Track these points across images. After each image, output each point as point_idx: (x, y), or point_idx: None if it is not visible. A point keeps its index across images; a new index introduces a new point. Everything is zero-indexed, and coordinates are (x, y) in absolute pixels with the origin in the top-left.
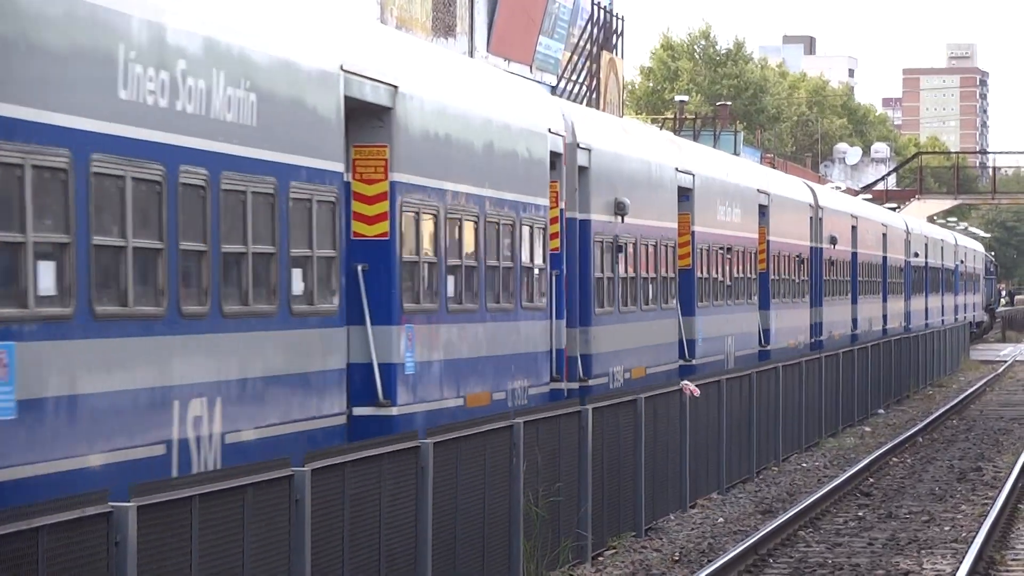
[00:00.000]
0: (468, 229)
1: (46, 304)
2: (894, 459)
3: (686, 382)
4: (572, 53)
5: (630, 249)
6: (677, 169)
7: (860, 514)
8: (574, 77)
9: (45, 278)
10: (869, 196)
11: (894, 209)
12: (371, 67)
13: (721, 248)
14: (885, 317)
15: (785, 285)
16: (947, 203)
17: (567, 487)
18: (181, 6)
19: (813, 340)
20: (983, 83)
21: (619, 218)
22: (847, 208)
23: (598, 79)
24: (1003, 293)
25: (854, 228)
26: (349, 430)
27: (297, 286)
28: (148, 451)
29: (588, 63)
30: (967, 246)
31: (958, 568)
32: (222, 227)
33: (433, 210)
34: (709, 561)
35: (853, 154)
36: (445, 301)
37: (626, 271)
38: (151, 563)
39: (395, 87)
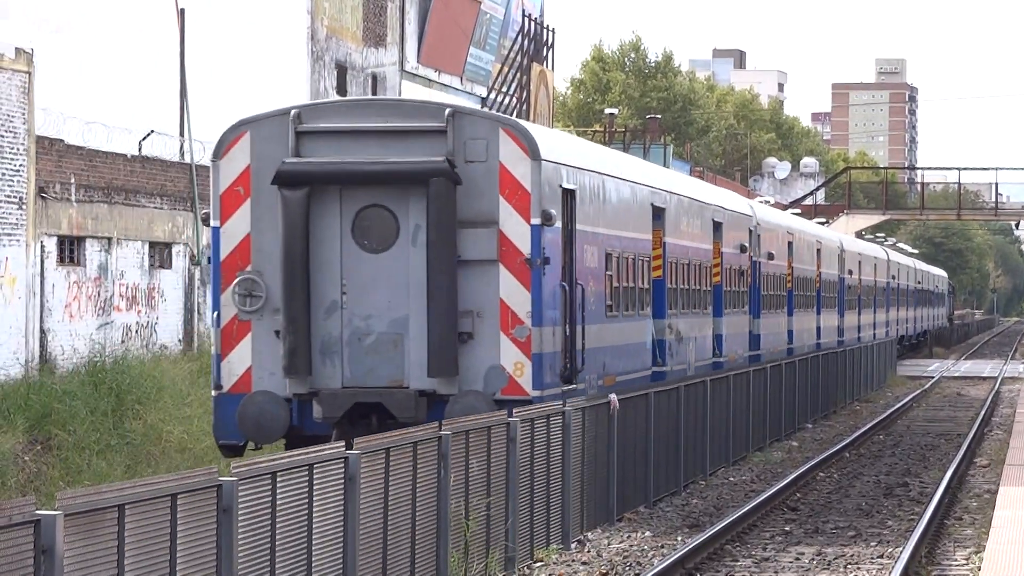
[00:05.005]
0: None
1: (610, 309)
2: (821, 474)
3: (612, 395)
4: (503, 64)
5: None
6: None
7: (787, 529)
8: (504, 88)
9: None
10: (798, 211)
11: (823, 223)
12: (660, 185)
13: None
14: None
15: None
16: (876, 218)
17: (496, 499)
18: (624, 174)
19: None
20: (912, 99)
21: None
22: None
23: (528, 91)
24: None
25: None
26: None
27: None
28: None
29: (518, 75)
30: (929, 271)
31: None
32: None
33: (675, 259)
34: (636, 575)
35: (782, 168)
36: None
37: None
38: (79, 571)
39: (665, 195)
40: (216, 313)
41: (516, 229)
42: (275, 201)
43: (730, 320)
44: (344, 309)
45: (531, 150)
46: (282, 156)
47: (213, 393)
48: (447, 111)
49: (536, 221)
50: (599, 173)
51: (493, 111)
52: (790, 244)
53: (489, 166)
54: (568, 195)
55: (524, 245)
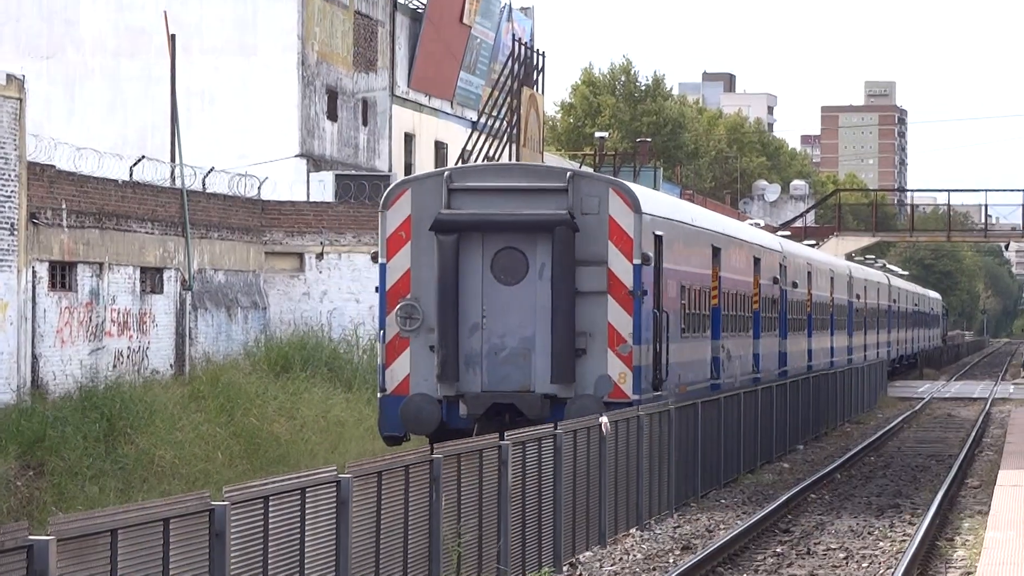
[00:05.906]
0: (736, 297)
1: (683, 331)
2: (812, 495)
3: (603, 418)
4: (493, 89)
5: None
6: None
7: (779, 551)
8: (495, 112)
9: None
10: (788, 233)
11: (813, 246)
12: (719, 230)
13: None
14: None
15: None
16: (866, 240)
17: (488, 521)
18: (693, 221)
19: None
20: (901, 121)
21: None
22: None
23: (518, 115)
24: None
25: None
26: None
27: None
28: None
29: (509, 99)
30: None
31: None
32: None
33: (727, 290)
34: None
35: (772, 191)
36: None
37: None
38: None
39: (722, 237)
40: (382, 331)
41: (621, 268)
42: (431, 243)
43: (765, 341)
44: (484, 329)
45: (634, 205)
46: (436, 208)
47: (379, 395)
48: (568, 174)
49: (637, 261)
50: (678, 222)
51: (485, 135)
52: (809, 274)
53: (601, 218)
54: (658, 240)
55: (627, 280)
